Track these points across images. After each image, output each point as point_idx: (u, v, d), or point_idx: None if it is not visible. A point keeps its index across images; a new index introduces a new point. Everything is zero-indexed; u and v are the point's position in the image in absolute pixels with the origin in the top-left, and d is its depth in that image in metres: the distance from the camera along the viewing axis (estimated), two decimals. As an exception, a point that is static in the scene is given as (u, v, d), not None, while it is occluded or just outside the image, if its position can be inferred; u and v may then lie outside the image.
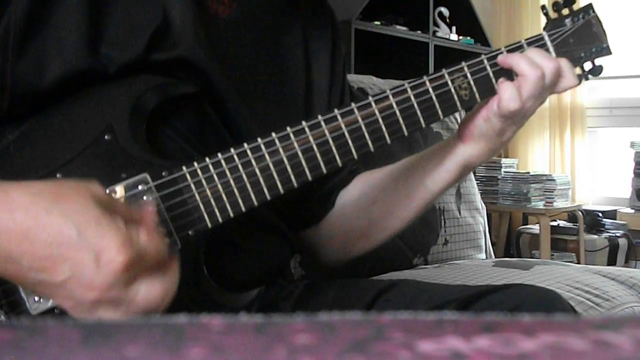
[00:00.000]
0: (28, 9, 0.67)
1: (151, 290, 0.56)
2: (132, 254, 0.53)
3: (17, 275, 0.55)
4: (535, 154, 4.04)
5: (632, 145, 3.67)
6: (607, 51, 0.88)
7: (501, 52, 0.83)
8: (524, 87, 0.80)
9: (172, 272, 0.58)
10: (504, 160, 3.64)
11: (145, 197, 0.66)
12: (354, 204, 0.94)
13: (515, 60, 0.81)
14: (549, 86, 0.82)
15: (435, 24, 3.70)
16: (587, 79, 0.89)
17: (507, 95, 0.80)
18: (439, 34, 3.70)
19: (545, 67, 0.81)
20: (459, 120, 1.93)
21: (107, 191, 0.66)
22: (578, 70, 0.88)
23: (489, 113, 0.81)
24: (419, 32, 3.58)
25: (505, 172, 3.57)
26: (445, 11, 3.77)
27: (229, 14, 0.82)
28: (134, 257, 0.54)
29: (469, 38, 3.87)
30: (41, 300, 0.62)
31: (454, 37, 3.78)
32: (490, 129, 0.82)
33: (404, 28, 3.52)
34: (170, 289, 0.57)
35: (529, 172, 3.58)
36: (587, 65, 0.88)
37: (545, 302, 0.79)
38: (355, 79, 1.78)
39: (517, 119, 0.82)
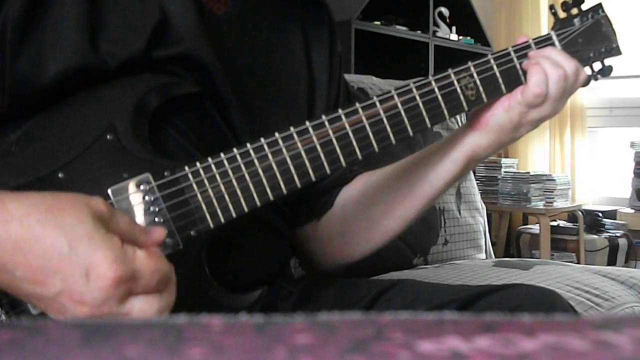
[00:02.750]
0: (24, 6, 0.67)
1: (147, 308, 0.55)
2: (124, 271, 0.53)
3: (12, 285, 0.54)
4: (535, 154, 4.04)
5: (632, 145, 3.67)
6: (616, 51, 0.87)
7: (508, 52, 0.82)
8: (548, 87, 0.80)
9: (170, 293, 0.58)
10: (504, 160, 3.64)
11: (147, 197, 0.66)
12: (354, 205, 0.93)
13: (543, 62, 0.80)
14: (570, 87, 0.81)
15: (435, 24, 3.70)
16: (596, 79, 0.89)
17: (536, 78, 0.79)
18: (439, 34, 3.70)
19: (566, 66, 0.81)
20: (459, 121, 1.93)
21: (110, 191, 0.66)
22: (587, 71, 0.88)
23: (511, 102, 0.81)
24: (419, 32, 3.58)
25: (505, 172, 3.57)
26: (445, 11, 3.77)
27: (225, 11, 0.82)
28: (125, 275, 0.53)
29: (469, 38, 3.87)
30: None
31: (454, 37, 3.77)
32: (508, 120, 0.81)
33: (404, 28, 3.52)
34: (166, 307, 0.57)
35: (529, 172, 3.58)
36: (597, 66, 0.88)
37: (545, 302, 0.79)
38: (355, 79, 1.78)
39: (534, 116, 0.81)
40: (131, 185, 0.66)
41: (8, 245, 0.52)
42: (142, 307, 0.55)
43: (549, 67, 0.80)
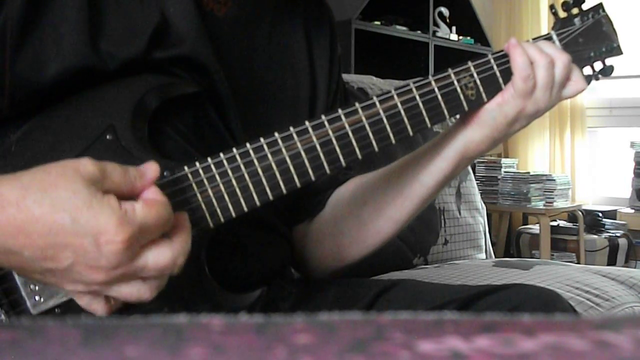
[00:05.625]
0: (24, 7, 0.67)
1: (160, 256, 0.56)
2: (131, 230, 0.54)
3: (23, 266, 0.55)
4: (535, 154, 4.04)
5: (632, 145, 3.67)
6: (617, 51, 0.87)
7: None
8: (535, 73, 0.79)
9: (181, 234, 0.58)
10: (504, 160, 3.64)
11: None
12: (345, 206, 0.92)
13: (525, 46, 0.80)
14: (560, 80, 0.81)
15: (435, 24, 3.70)
16: (597, 79, 0.88)
17: (519, 61, 0.79)
18: (439, 34, 3.70)
19: (556, 56, 0.80)
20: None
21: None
22: (588, 70, 0.87)
23: (505, 97, 0.80)
24: (419, 32, 3.58)
25: (505, 172, 3.57)
26: (445, 11, 3.77)
27: (225, 12, 0.82)
28: (133, 233, 0.54)
29: (469, 38, 3.87)
30: (41, 299, 0.62)
31: (454, 37, 3.78)
32: (503, 115, 0.80)
33: (404, 28, 3.52)
34: (180, 250, 0.58)
35: (529, 172, 3.58)
36: (597, 65, 0.88)
37: (545, 302, 0.78)
38: (355, 79, 1.78)
39: (530, 109, 0.80)
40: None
41: (9, 229, 0.52)
42: (155, 257, 0.56)
43: (535, 53, 0.79)
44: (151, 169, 0.59)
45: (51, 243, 0.53)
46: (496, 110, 0.80)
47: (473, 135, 0.82)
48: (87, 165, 0.55)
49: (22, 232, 0.53)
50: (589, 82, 0.86)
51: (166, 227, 0.57)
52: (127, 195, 0.56)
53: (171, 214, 0.58)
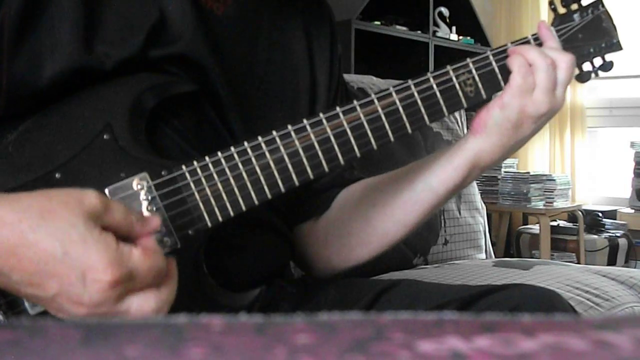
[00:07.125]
0: (21, 8, 0.67)
1: (144, 305, 0.56)
2: (120, 272, 0.53)
3: (10, 288, 0.55)
4: (535, 154, 4.04)
5: (632, 145, 3.67)
6: (617, 46, 0.87)
7: (507, 48, 0.82)
8: (535, 75, 0.79)
9: (168, 288, 0.58)
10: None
11: (144, 196, 0.66)
12: (353, 207, 0.91)
13: (524, 50, 0.80)
14: (565, 80, 0.80)
15: (435, 24, 3.70)
16: (597, 74, 0.88)
17: (517, 63, 0.78)
18: (439, 34, 3.70)
19: (558, 58, 0.80)
20: (459, 120, 1.93)
21: (108, 191, 0.66)
22: (588, 66, 0.87)
23: (504, 98, 0.79)
24: (419, 32, 3.58)
25: (505, 172, 3.57)
26: (445, 11, 3.77)
27: (224, 11, 0.82)
28: (122, 276, 0.53)
29: (469, 38, 3.87)
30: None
31: (454, 37, 3.78)
32: (506, 118, 0.79)
33: (404, 28, 3.52)
34: (164, 304, 0.57)
35: (529, 172, 3.58)
36: (597, 62, 0.87)
37: (545, 302, 0.78)
38: (355, 79, 1.78)
39: (531, 110, 0.79)
40: (128, 185, 0.66)
41: (1, 251, 0.52)
42: (139, 304, 0.56)
43: (536, 56, 0.79)
44: (153, 220, 0.59)
45: (39, 270, 0.53)
46: (499, 115, 0.79)
47: (483, 144, 0.81)
48: (91, 197, 0.55)
49: (13, 255, 0.52)
50: (589, 78, 0.86)
51: (157, 279, 0.57)
52: (125, 236, 0.56)
53: (164, 266, 0.57)
